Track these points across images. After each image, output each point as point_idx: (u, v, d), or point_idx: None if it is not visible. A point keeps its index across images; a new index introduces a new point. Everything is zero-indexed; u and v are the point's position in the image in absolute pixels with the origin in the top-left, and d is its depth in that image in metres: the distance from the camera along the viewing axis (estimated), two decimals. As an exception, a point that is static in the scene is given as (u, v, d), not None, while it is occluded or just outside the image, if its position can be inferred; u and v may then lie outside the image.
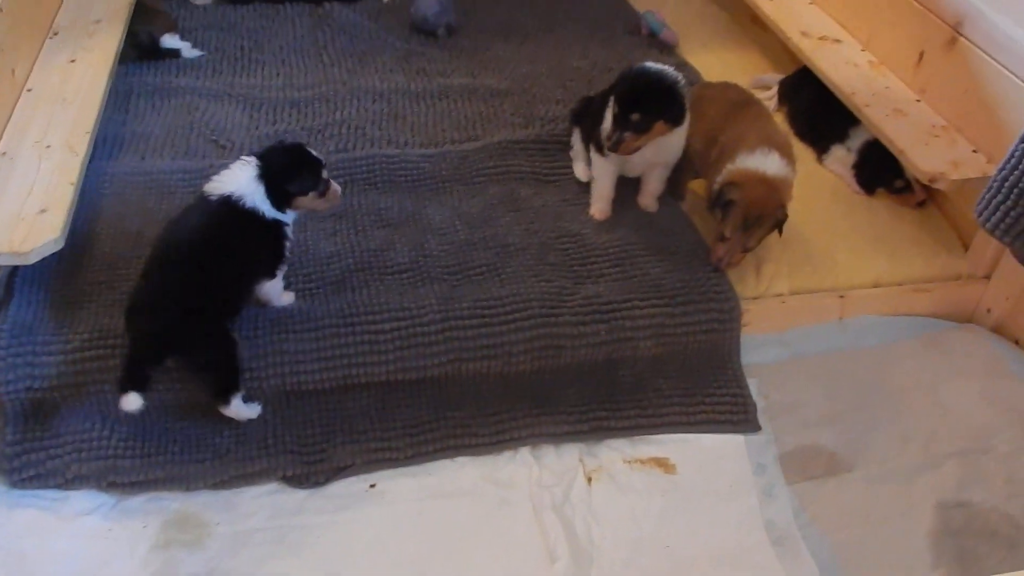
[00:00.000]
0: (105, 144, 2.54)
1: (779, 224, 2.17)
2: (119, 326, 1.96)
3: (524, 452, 2.03)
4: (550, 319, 2.09)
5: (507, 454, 2.03)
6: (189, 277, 1.88)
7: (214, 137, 2.63)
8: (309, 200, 2.02)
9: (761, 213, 2.13)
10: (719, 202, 2.16)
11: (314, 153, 2.03)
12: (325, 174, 2.03)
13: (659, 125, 2.18)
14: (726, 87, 2.56)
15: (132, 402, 1.81)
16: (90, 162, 2.31)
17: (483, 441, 2.03)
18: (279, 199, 1.97)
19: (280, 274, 2.06)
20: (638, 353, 2.13)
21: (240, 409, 1.95)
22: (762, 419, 2.13)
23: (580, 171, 2.53)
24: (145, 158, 2.52)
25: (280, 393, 2.00)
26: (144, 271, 1.93)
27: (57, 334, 1.97)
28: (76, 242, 2.18)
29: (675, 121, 2.22)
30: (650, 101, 2.16)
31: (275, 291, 2.08)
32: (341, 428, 2.01)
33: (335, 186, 2.07)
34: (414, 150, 2.63)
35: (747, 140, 2.23)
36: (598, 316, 2.12)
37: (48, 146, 2.24)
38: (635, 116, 2.14)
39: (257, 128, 2.70)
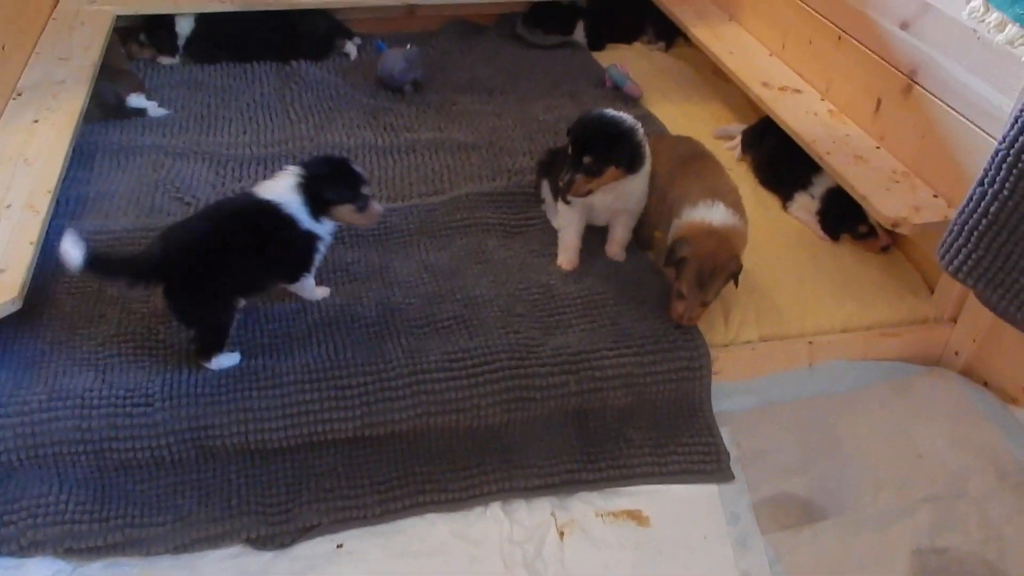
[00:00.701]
0: (68, 203, 2.52)
1: (734, 275, 2.16)
2: (79, 386, 1.93)
3: (495, 507, 2.00)
4: (519, 371, 2.07)
5: (477, 510, 1.99)
6: (207, 255, 1.96)
7: (179, 195, 2.61)
8: (347, 212, 2.09)
9: (715, 267, 2.11)
10: (672, 260, 2.15)
11: (357, 168, 2.12)
12: (367, 191, 2.11)
13: (611, 170, 2.20)
14: (677, 141, 2.57)
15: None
16: (53, 221, 2.29)
17: (453, 497, 1.99)
18: (317, 207, 2.05)
19: (304, 279, 2.16)
20: (608, 403, 2.12)
21: (221, 362, 2.03)
22: (735, 468, 2.11)
23: (554, 222, 2.54)
24: (109, 217, 2.49)
25: (243, 452, 1.96)
26: (190, 218, 2.13)
27: (13, 395, 1.92)
28: (36, 301, 2.15)
29: (629, 167, 2.24)
30: (602, 145, 2.18)
31: (307, 290, 2.21)
32: (307, 487, 1.97)
33: (376, 205, 2.14)
34: (381, 204, 2.62)
35: (692, 194, 2.23)
36: (567, 367, 2.10)
37: (8, 206, 2.21)
38: (587, 159, 2.17)
39: (223, 185, 2.68)
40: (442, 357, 2.07)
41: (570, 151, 2.19)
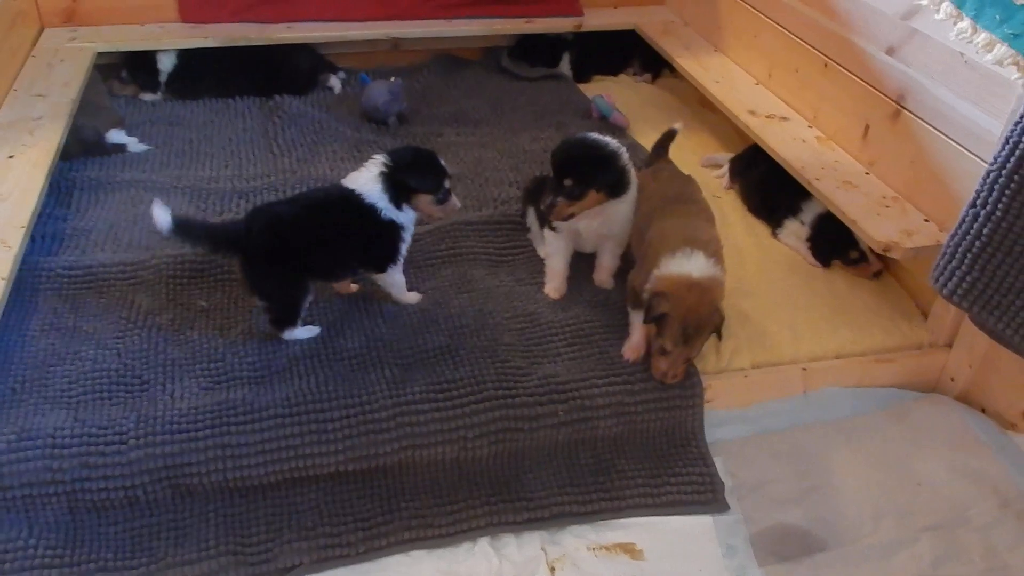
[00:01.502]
0: (44, 240, 2.47)
1: (717, 329, 2.07)
2: (50, 425, 1.86)
3: (483, 543, 1.92)
4: (506, 401, 2.02)
5: (466, 545, 1.92)
6: (286, 234, 2.06)
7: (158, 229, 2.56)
8: (427, 203, 2.16)
9: (699, 322, 2.02)
10: (651, 315, 2.04)
11: (443, 162, 2.18)
12: (448, 184, 2.18)
13: (593, 193, 2.17)
14: (670, 180, 2.45)
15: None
16: (26, 258, 2.24)
17: (440, 532, 1.92)
18: (399, 195, 2.12)
19: (393, 271, 2.21)
20: (598, 433, 2.06)
21: (295, 334, 2.15)
22: (730, 498, 2.05)
23: (541, 251, 2.51)
24: (85, 252, 2.44)
25: (221, 490, 1.89)
26: (283, 200, 2.21)
27: (-18, 435, 1.85)
28: (7, 338, 2.09)
29: (611, 191, 2.20)
30: (583, 168, 2.16)
31: (396, 286, 2.26)
32: (288, 525, 1.89)
33: (455, 200, 2.22)
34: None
35: (670, 239, 2.12)
36: (556, 396, 2.05)
37: (-20, 242, 2.16)
38: (568, 182, 2.14)
39: (203, 219, 2.64)
40: (427, 388, 2.02)
41: (551, 175, 2.17)
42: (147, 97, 3.42)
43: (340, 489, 1.94)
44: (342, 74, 3.62)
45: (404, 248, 2.21)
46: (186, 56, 3.42)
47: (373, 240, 2.16)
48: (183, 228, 2.03)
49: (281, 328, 2.15)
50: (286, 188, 2.79)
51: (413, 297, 2.30)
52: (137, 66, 3.41)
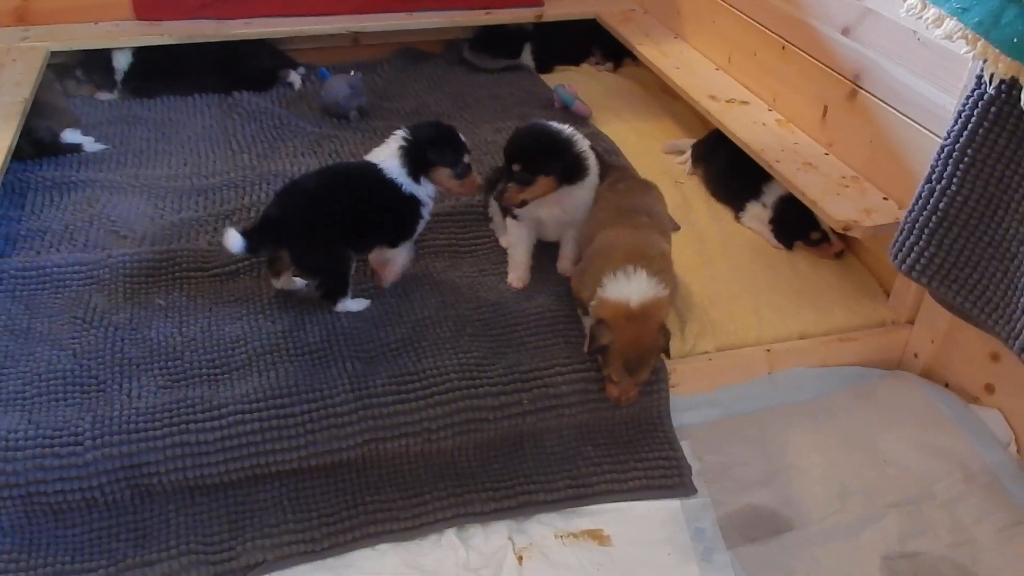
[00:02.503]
0: (-3, 242, 2.43)
1: (663, 349, 2.04)
2: (2, 428, 1.83)
3: (449, 534, 1.90)
4: (470, 391, 2.00)
5: (432, 538, 1.90)
6: (318, 207, 2.12)
7: (115, 228, 2.53)
8: (446, 177, 2.20)
9: (640, 353, 1.98)
10: (593, 347, 2.00)
11: (462, 137, 2.24)
12: (467, 159, 2.22)
13: (543, 179, 2.16)
14: (627, 191, 2.32)
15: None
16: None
17: (405, 525, 1.89)
18: (418, 168, 2.17)
19: (403, 248, 2.24)
20: (564, 421, 2.05)
21: (347, 305, 2.21)
22: (697, 482, 2.04)
23: (503, 240, 2.49)
24: (40, 253, 2.39)
25: (182, 489, 1.86)
26: (307, 175, 2.24)
27: (-68, 441, 1.81)
28: (-41, 342, 2.04)
29: (563, 177, 2.19)
30: (532, 155, 2.15)
31: (399, 264, 2.28)
32: (250, 523, 1.86)
33: (475, 175, 2.26)
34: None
35: (615, 255, 2.04)
36: (520, 385, 2.04)
37: (-71, 244, 2.11)
38: (516, 167, 2.14)
39: (162, 217, 2.60)
40: (389, 380, 2.00)
41: (504, 161, 2.17)
42: (103, 96, 3.37)
43: (303, 485, 1.92)
44: (302, 69, 3.59)
45: (422, 224, 2.25)
46: (142, 54, 3.38)
47: (393, 214, 2.19)
48: (254, 244, 2.08)
49: (334, 300, 2.19)
50: (246, 185, 2.76)
51: (388, 281, 2.31)
52: (92, 65, 3.36)
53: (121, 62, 3.35)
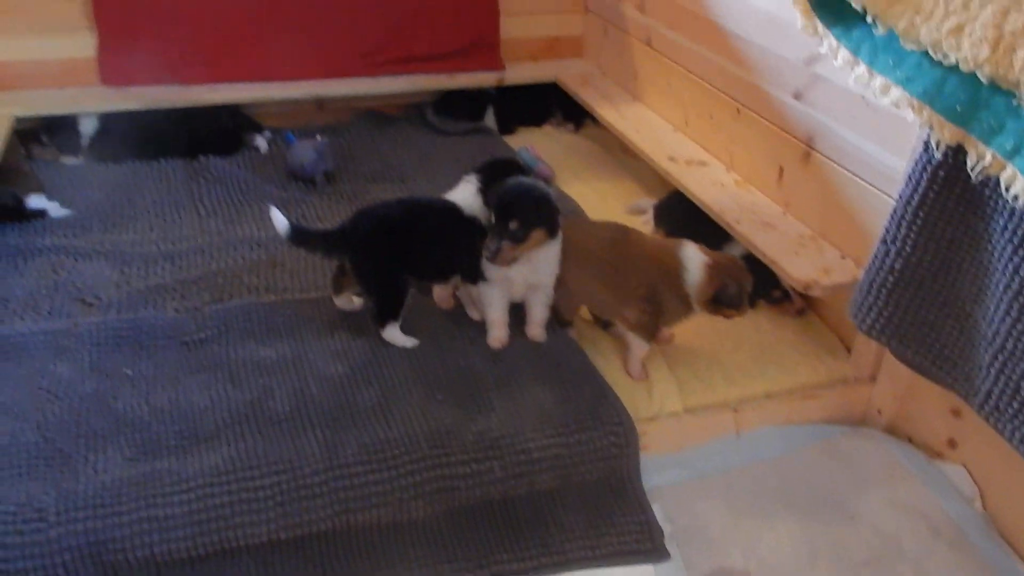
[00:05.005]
0: (-40, 311, 2.39)
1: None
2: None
3: (422, 604, 1.89)
4: (441, 459, 2.00)
5: (404, 608, 1.89)
6: (391, 232, 2.26)
7: (81, 295, 2.51)
8: None
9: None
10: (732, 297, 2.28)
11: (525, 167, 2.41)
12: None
13: (536, 233, 2.19)
14: (599, 225, 2.52)
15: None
16: (-61, 331, 2.17)
17: (377, 597, 1.88)
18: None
19: (483, 286, 2.32)
20: (536, 487, 2.05)
21: (394, 336, 2.32)
22: (670, 545, 2.05)
23: (472, 311, 2.50)
24: (3, 321, 2.37)
25: (149, 565, 1.81)
26: (389, 202, 2.36)
27: None
28: (-81, 417, 2.01)
29: (552, 231, 2.24)
30: (527, 209, 2.18)
31: (479, 300, 2.38)
32: (220, 598, 1.84)
33: None
34: (294, 295, 2.56)
35: (661, 244, 2.37)
36: (491, 452, 2.04)
37: None
38: (513, 224, 2.16)
39: (128, 283, 2.59)
40: (360, 449, 1.99)
41: (494, 219, 2.18)
42: (68, 161, 3.37)
43: (273, 559, 1.89)
44: (267, 133, 3.62)
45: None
46: (108, 119, 3.38)
47: (472, 251, 2.26)
48: (297, 236, 2.26)
49: (383, 323, 2.31)
50: (213, 250, 2.76)
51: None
52: (57, 129, 3.36)
53: (87, 127, 3.36)
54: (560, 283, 2.35)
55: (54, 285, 2.55)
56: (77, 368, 2.22)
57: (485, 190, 2.31)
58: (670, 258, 2.28)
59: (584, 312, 2.53)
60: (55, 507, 1.79)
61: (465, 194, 2.34)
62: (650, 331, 2.33)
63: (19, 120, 3.24)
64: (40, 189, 3.05)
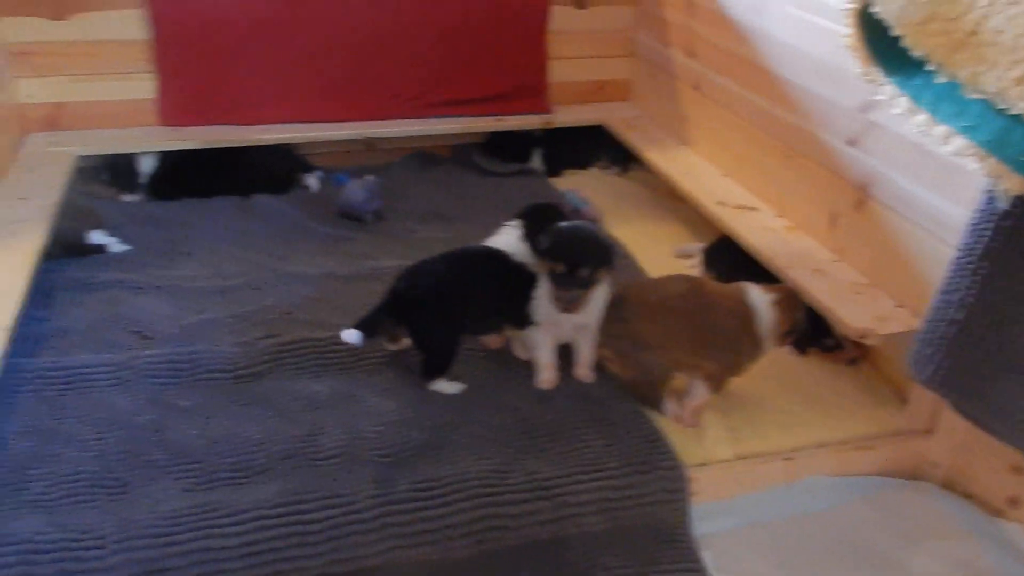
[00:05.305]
0: (25, 341, 2.44)
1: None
2: (27, 530, 1.82)
3: (470, 647, 1.88)
4: (491, 498, 2.00)
5: (452, 650, 1.88)
6: (444, 289, 2.28)
7: (138, 328, 2.55)
8: None
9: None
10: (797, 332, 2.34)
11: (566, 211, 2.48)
12: None
13: (603, 274, 2.22)
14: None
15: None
16: (8, 360, 2.21)
17: (424, 637, 1.87)
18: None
19: (531, 329, 2.34)
20: (584, 530, 2.04)
21: (440, 386, 2.32)
22: (720, 595, 2.03)
23: (518, 349, 2.52)
24: (66, 353, 2.42)
25: (202, 596, 1.83)
26: (436, 257, 2.37)
27: (-44, 545, 1.80)
28: (-16, 443, 2.05)
29: (613, 266, 2.27)
30: (593, 253, 2.20)
31: (531, 345, 2.39)
32: (270, 631, 1.84)
33: None
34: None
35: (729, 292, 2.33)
36: (541, 493, 2.03)
37: (-39, 344, 2.14)
38: (584, 270, 2.17)
39: (183, 318, 2.63)
40: (411, 486, 1.99)
41: (562, 268, 2.17)
42: (127, 198, 3.45)
43: (322, 594, 1.90)
44: (318, 173, 3.68)
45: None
46: (166, 158, 3.47)
47: (521, 296, 2.29)
48: (368, 328, 2.27)
49: (432, 377, 2.32)
50: (264, 286, 2.81)
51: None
52: (118, 168, 3.45)
53: (146, 166, 3.44)
54: (643, 349, 2.29)
55: (113, 318, 2.60)
56: (135, 399, 2.26)
57: (530, 236, 2.33)
58: (741, 303, 2.28)
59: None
60: (114, 535, 1.82)
61: (510, 240, 2.37)
62: (723, 381, 2.33)
63: (81, 158, 3.35)
64: (100, 225, 3.12)
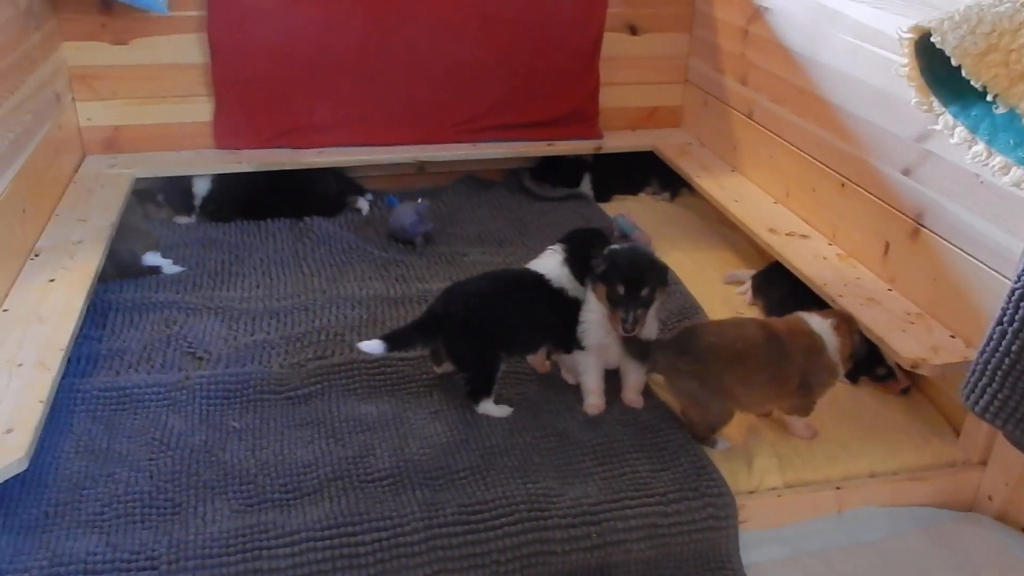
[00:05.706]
0: (80, 362, 2.51)
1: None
2: (82, 550, 1.86)
3: (516, 673, 1.87)
4: (538, 523, 2.00)
5: (498, 676, 1.87)
6: (478, 308, 2.29)
7: (191, 349, 2.61)
8: None
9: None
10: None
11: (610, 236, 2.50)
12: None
13: (660, 293, 2.26)
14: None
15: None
16: (63, 379, 2.27)
17: (471, 662, 1.87)
18: (583, 272, 2.33)
19: (578, 353, 2.35)
20: (632, 556, 2.02)
21: (488, 408, 2.33)
22: (768, 625, 2.00)
23: (567, 375, 2.52)
24: (120, 374, 2.48)
25: (252, 616, 1.86)
26: (473, 278, 2.43)
27: (14, 562, 1.84)
28: (42, 461, 2.10)
29: (668, 285, 2.32)
30: (650, 273, 2.24)
31: (576, 369, 2.39)
32: (319, 652, 1.86)
33: None
34: (394, 354, 2.60)
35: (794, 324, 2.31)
36: (588, 518, 2.03)
37: (20, 364, 2.19)
38: (645, 291, 2.20)
39: (236, 339, 2.68)
40: (459, 509, 2.00)
41: (622, 290, 2.20)
42: (182, 220, 3.53)
43: (370, 616, 1.91)
44: (369, 196, 3.73)
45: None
46: (220, 180, 3.55)
47: (562, 320, 2.33)
48: (394, 342, 2.27)
49: (477, 399, 2.32)
50: (316, 308, 2.85)
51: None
52: (173, 190, 3.53)
53: (201, 188, 3.52)
54: (713, 392, 2.24)
55: (167, 339, 2.65)
56: (188, 420, 2.30)
57: (571, 260, 2.34)
58: (809, 337, 2.25)
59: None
60: (166, 555, 1.85)
61: (552, 264, 2.38)
62: (808, 408, 2.34)
63: (137, 180, 3.43)
64: (155, 247, 3.19)
